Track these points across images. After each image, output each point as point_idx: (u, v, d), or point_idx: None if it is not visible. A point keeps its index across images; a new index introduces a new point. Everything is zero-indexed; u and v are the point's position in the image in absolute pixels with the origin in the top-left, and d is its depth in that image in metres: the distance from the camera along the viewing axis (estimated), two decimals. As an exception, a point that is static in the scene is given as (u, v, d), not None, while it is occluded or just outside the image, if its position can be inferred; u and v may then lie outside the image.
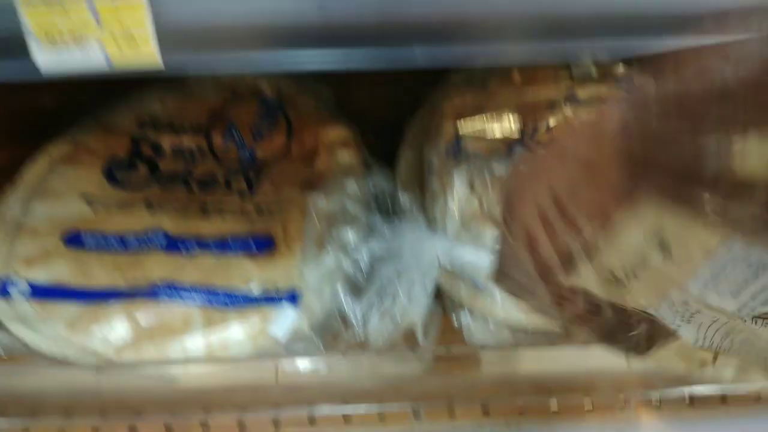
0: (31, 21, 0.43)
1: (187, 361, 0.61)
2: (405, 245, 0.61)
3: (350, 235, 0.64)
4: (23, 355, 0.63)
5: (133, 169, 0.75)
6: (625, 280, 0.33)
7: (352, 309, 0.61)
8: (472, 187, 0.63)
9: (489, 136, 0.68)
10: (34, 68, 0.45)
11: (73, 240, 0.67)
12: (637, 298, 0.34)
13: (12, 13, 0.42)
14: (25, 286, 0.63)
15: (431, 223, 0.65)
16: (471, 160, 0.65)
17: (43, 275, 0.64)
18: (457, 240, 0.61)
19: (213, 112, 0.81)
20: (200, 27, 0.45)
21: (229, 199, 0.72)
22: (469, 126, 0.69)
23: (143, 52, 0.45)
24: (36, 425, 0.64)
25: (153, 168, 0.76)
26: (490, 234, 0.60)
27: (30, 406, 0.64)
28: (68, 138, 0.75)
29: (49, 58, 0.44)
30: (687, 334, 0.36)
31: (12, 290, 0.63)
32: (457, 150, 0.68)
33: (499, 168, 0.63)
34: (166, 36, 0.44)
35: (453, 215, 0.62)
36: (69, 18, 0.43)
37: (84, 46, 0.44)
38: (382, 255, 0.61)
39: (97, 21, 0.44)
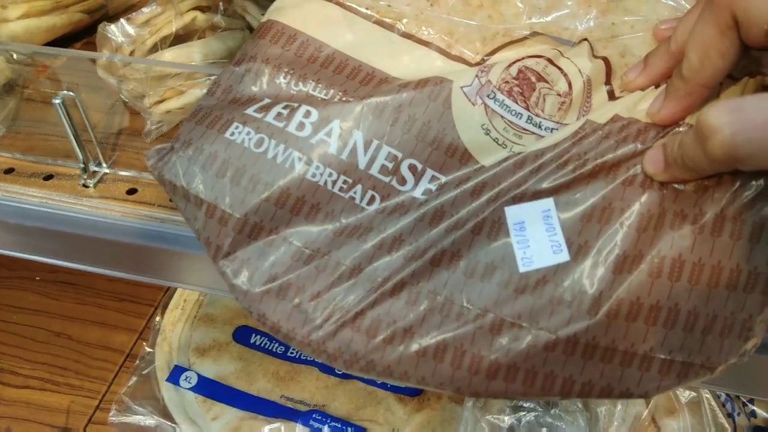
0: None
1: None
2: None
3: (506, 414, 0.62)
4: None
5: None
6: None
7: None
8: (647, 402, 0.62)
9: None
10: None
11: (242, 336, 0.73)
12: None
13: None
14: (194, 378, 0.69)
15: (592, 420, 0.62)
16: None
17: (212, 369, 0.70)
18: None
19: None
20: None
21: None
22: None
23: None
24: None
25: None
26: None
27: None
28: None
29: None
30: None
31: (182, 380, 0.68)
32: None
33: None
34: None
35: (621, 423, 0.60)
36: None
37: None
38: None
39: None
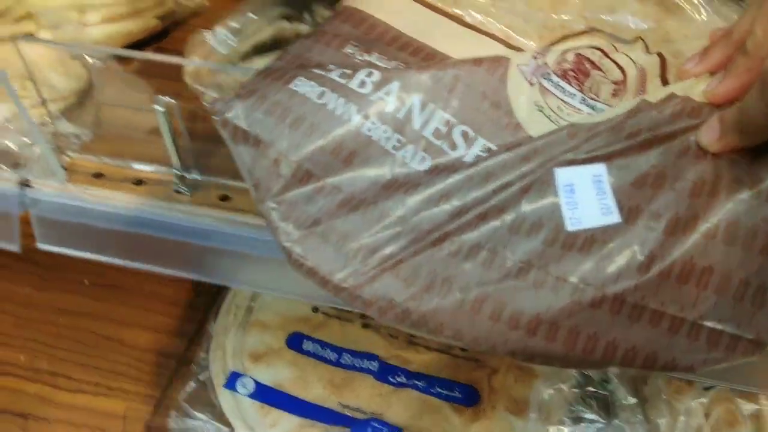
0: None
1: None
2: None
3: (566, 425, 0.62)
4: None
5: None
6: None
7: None
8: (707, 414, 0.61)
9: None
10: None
11: (295, 342, 0.72)
12: None
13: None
14: (251, 384, 0.68)
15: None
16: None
17: (267, 374, 0.69)
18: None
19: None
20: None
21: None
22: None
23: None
24: None
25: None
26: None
27: None
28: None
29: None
30: None
31: (239, 386, 0.68)
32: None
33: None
34: None
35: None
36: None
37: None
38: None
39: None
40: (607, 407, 0.64)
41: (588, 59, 0.38)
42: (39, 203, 0.45)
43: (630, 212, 0.32)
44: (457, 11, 0.41)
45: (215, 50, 0.44)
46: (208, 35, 0.45)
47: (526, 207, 0.33)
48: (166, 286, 0.81)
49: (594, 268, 0.31)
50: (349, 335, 0.74)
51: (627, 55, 0.39)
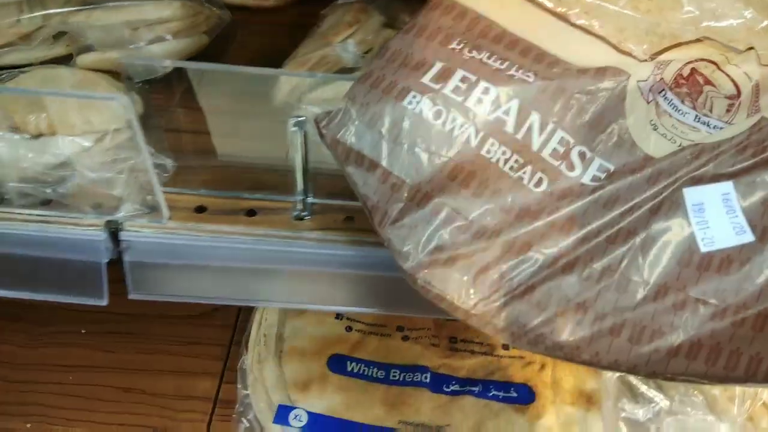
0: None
1: None
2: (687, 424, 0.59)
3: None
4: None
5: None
6: None
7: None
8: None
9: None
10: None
11: (337, 365, 0.68)
12: None
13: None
14: (304, 416, 0.63)
15: (711, 403, 0.63)
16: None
17: (317, 403, 0.64)
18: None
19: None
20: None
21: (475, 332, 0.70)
22: None
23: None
24: None
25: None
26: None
27: None
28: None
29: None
30: None
31: (291, 419, 0.63)
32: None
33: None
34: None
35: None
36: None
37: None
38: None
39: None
40: (660, 385, 0.66)
41: (701, 74, 0.39)
42: (133, 247, 0.40)
43: (764, 231, 0.33)
44: (563, 9, 0.40)
45: (343, 61, 0.41)
46: (336, 47, 0.41)
47: (657, 228, 0.33)
48: (178, 325, 0.75)
49: (735, 289, 0.32)
50: (391, 350, 0.71)
51: (740, 67, 0.40)
